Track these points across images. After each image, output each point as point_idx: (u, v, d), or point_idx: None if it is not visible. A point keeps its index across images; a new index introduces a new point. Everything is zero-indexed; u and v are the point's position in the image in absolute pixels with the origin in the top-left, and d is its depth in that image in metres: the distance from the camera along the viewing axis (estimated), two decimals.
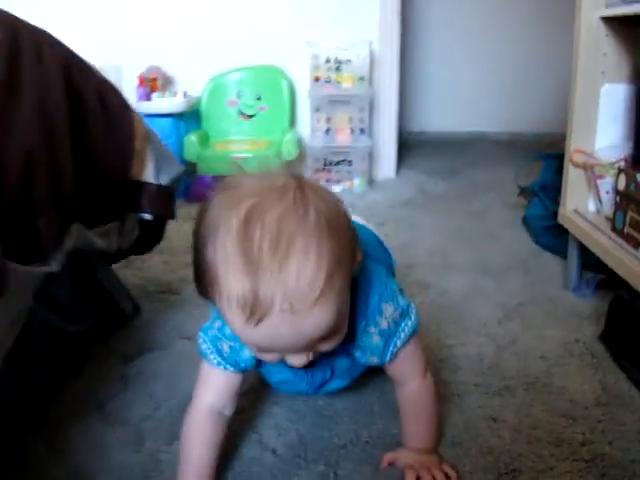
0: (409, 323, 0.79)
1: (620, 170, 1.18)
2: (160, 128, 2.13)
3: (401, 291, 0.81)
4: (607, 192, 1.27)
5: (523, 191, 1.87)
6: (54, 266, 0.78)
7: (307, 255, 0.59)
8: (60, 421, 0.93)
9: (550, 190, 1.68)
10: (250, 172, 0.67)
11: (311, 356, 0.68)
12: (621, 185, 1.17)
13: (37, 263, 0.75)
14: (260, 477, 0.83)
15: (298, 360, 0.68)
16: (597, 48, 1.28)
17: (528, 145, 3.18)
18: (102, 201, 0.92)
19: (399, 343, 0.78)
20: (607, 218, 1.27)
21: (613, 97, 1.29)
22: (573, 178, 1.36)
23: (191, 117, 2.29)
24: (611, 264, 1.15)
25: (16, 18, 0.89)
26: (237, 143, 2.31)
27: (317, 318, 0.61)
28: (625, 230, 1.16)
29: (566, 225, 1.38)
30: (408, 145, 3.11)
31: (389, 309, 0.76)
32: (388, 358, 0.79)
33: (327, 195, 0.66)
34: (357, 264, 0.69)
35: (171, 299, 1.37)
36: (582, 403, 0.97)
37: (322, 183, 2.07)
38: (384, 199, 2.25)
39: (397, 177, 2.57)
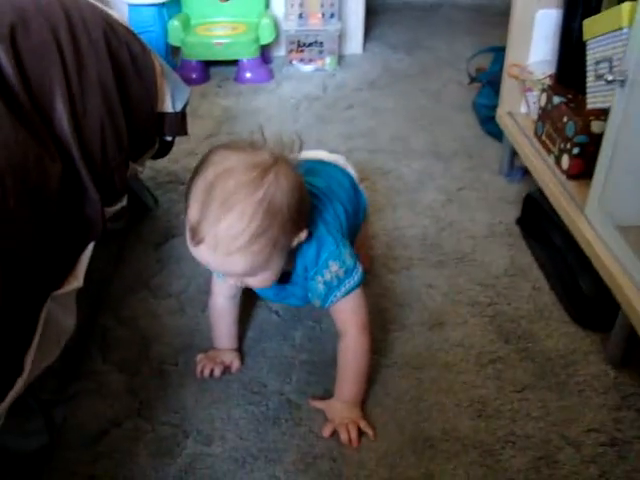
0: (351, 282, 0.96)
1: (543, 89, 1.47)
2: (145, 17, 2.30)
3: (352, 254, 0.98)
4: (534, 103, 1.57)
5: (473, 80, 2.14)
6: (124, 201, 1.08)
7: (240, 219, 0.79)
8: (119, 298, 1.29)
9: (496, 83, 1.95)
10: (250, 140, 0.87)
11: (241, 283, 0.92)
12: (542, 102, 1.47)
13: (115, 203, 1.05)
14: (269, 332, 1.21)
15: (232, 281, 0.94)
16: None
17: (493, 10, 3.33)
18: (140, 138, 1.19)
19: (339, 295, 0.96)
20: (533, 121, 1.58)
21: (546, 21, 1.54)
22: (509, 85, 1.65)
23: (172, 2, 2.42)
24: (528, 165, 1.49)
25: None
26: (217, 26, 2.48)
27: (232, 263, 0.83)
28: (543, 138, 1.47)
29: (500, 124, 1.70)
30: (374, 11, 3.24)
31: (334, 266, 0.95)
32: (327, 304, 0.98)
33: (288, 184, 0.83)
34: (298, 239, 0.89)
35: (180, 189, 1.68)
36: (495, 274, 1.36)
37: (295, 63, 2.29)
38: (352, 79, 2.49)
39: (364, 53, 2.78)
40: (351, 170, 1.22)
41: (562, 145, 1.35)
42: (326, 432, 0.99)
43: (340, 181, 1.13)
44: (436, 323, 1.22)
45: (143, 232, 1.50)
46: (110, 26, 1.15)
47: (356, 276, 0.97)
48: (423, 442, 0.99)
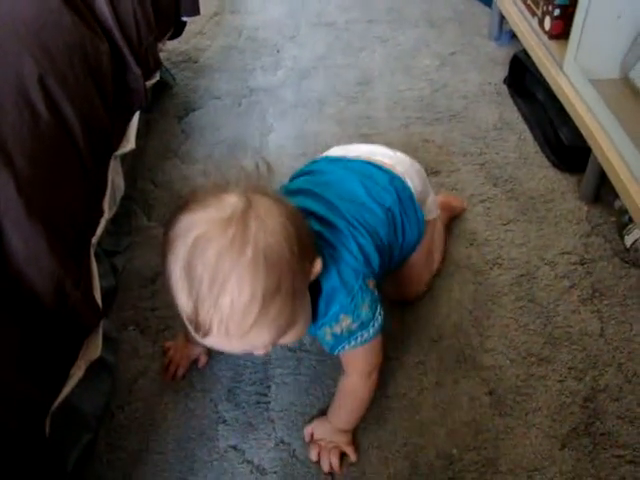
0: (365, 335, 0.82)
1: None
2: None
3: (373, 302, 0.82)
4: None
5: None
6: (158, 76, 1.23)
7: (241, 290, 0.62)
8: (153, 166, 1.45)
9: None
10: (210, 185, 0.69)
11: (270, 348, 0.73)
12: None
13: (151, 77, 1.19)
14: None
15: (259, 352, 0.73)
16: None
17: None
18: (163, 20, 1.31)
19: (347, 347, 0.83)
20: None
21: None
22: None
23: None
24: (515, 28, 1.61)
25: None
26: None
27: (254, 339, 0.67)
28: (528, 2, 1.58)
29: None
30: None
31: (347, 320, 0.80)
32: (335, 353, 0.85)
33: (275, 222, 0.66)
34: (313, 274, 0.73)
35: (193, 67, 1.80)
36: (485, 128, 1.52)
37: None
38: None
39: None
40: (410, 180, 0.97)
41: (545, 8, 1.47)
42: (312, 456, 0.93)
43: (356, 193, 0.90)
44: (433, 171, 1.40)
45: (166, 107, 1.64)
46: None
47: (372, 329, 0.83)
48: None
